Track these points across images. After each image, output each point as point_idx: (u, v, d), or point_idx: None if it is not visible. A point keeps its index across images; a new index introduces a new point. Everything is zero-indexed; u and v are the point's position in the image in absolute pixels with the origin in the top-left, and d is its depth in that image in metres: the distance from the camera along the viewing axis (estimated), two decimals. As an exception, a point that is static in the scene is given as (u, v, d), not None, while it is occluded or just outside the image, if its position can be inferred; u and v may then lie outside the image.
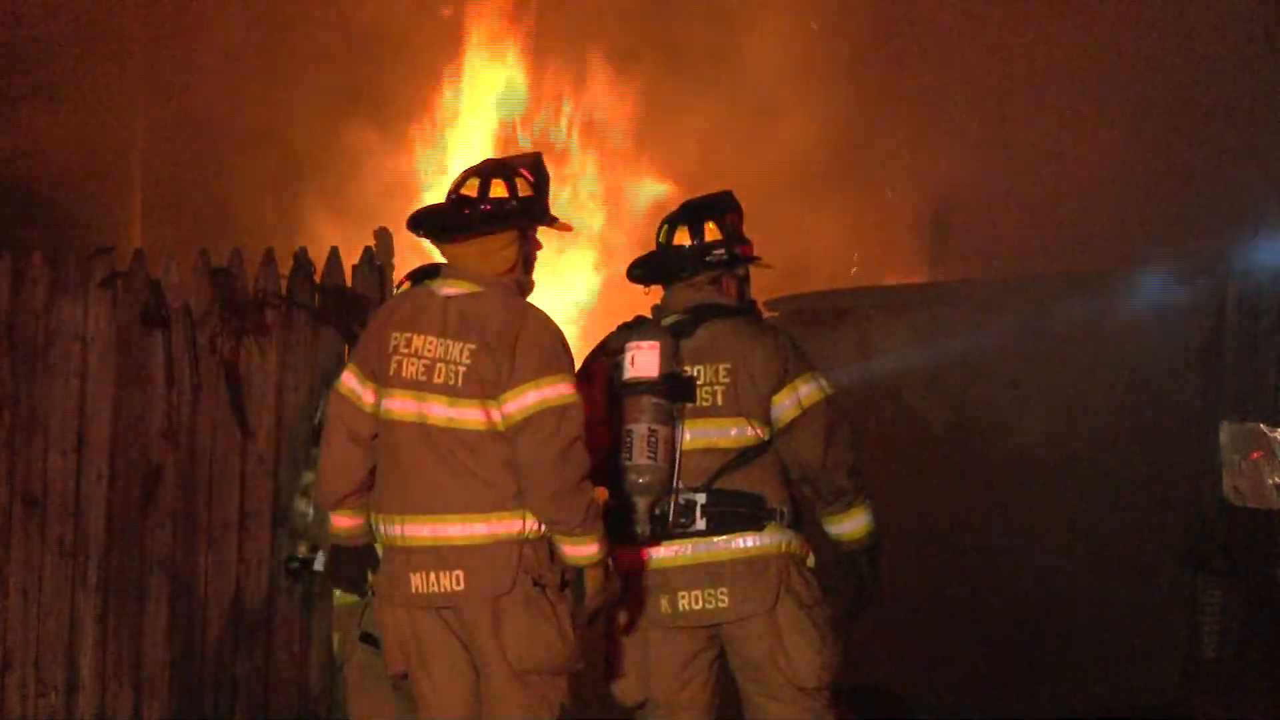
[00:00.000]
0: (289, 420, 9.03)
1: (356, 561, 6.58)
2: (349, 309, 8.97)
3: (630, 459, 6.57)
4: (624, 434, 6.59)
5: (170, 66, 17.20)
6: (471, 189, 6.47)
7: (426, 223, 6.52)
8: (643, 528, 6.57)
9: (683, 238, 6.89)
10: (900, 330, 10.18)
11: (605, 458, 6.63)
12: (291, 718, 9.01)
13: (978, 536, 9.67)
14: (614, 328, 6.90)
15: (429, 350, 6.41)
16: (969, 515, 9.71)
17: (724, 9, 16.44)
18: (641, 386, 6.58)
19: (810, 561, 6.73)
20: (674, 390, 6.61)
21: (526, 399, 6.28)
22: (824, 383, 6.75)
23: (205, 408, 9.08)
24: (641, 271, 6.95)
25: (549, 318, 6.44)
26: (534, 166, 6.58)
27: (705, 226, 6.87)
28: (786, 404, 6.68)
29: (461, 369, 6.35)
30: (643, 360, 6.61)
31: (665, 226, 6.95)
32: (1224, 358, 9.43)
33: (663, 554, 6.65)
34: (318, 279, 9.15)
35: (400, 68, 16.72)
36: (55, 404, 9.15)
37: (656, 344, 6.62)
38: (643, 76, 16.60)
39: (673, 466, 6.58)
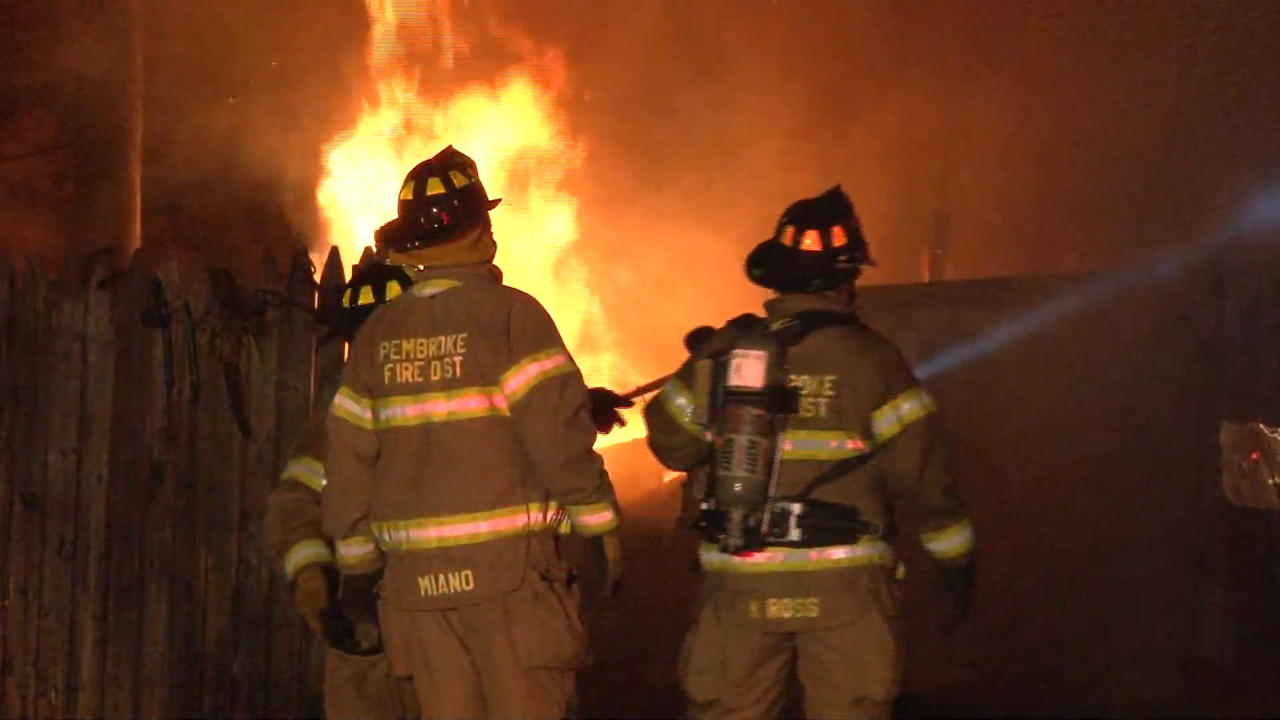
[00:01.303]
0: (289, 420, 9.03)
1: (370, 588, 6.57)
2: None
3: (729, 469, 6.51)
4: (724, 442, 6.52)
5: (171, 64, 17.20)
6: (437, 187, 6.48)
7: (413, 234, 6.49)
8: (735, 539, 6.55)
9: (812, 243, 6.74)
10: (900, 330, 10.16)
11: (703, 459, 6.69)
12: (291, 718, 9.01)
13: (976, 536, 9.66)
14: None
15: (421, 351, 6.43)
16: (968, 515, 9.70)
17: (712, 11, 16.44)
18: (745, 396, 6.50)
19: (900, 574, 6.71)
20: (777, 402, 6.55)
21: (528, 373, 6.32)
22: (927, 399, 6.66)
23: (205, 408, 9.08)
24: (763, 273, 6.80)
25: (533, 297, 6.49)
26: (462, 156, 6.60)
27: (833, 231, 6.79)
28: (887, 420, 6.61)
29: (458, 359, 6.38)
30: (749, 369, 6.53)
31: (791, 229, 6.75)
32: (1224, 358, 9.44)
33: (756, 560, 6.62)
34: (317, 279, 9.15)
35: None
36: (55, 404, 9.15)
37: (764, 354, 6.52)
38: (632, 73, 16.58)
39: (769, 478, 6.53)
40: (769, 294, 6.79)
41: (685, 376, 6.75)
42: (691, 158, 16.13)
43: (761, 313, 6.77)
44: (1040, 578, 9.74)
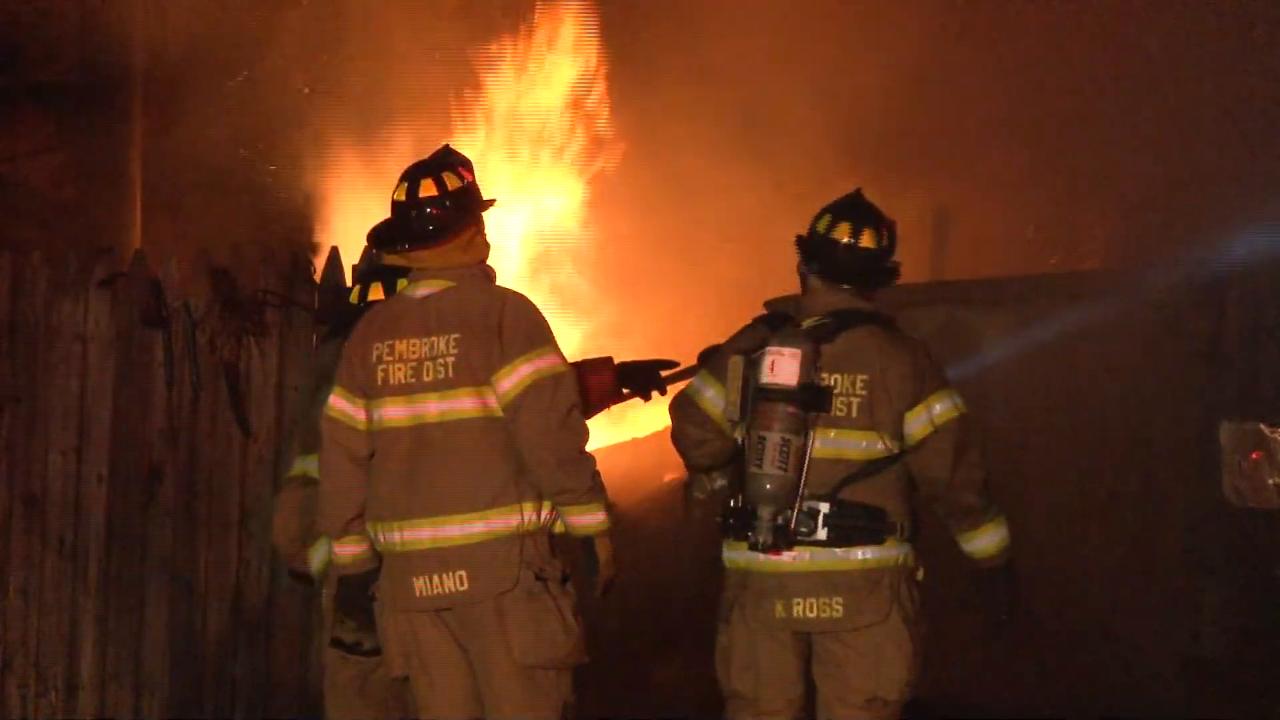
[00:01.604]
0: (289, 420, 9.03)
1: (365, 588, 6.58)
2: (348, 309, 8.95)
3: (761, 466, 6.49)
4: (755, 440, 6.50)
5: (171, 62, 17.20)
6: (429, 189, 6.48)
7: (404, 236, 6.50)
8: (765, 536, 6.54)
9: (869, 241, 6.77)
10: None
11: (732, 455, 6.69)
12: (291, 718, 9.01)
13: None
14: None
15: (413, 352, 6.44)
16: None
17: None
18: (779, 394, 6.47)
19: (919, 575, 6.71)
20: (810, 400, 6.54)
21: (520, 373, 6.33)
22: (959, 400, 6.66)
23: (205, 408, 9.08)
24: (821, 269, 6.74)
25: (525, 296, 6.50)
26: (459, 156, 6.60)
27: (883, 230, 6.77)
28: (920, 421, 6.61)
29: (450, 359, 6.38)
30: (783, 367, 6.50)
31: (847, 225, 6.72)
32: (1224, 358, 9.43)
33: (782, 559, 6.61)
34: (318, 279, 9.15)
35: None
36: (55, 404, 9.15)
37: (799, 351, 6.50)
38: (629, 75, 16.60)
39: (800, 476, 6.52)
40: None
41: (715, 371, 6.74)
42: (691, 157, 16.12)
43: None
44: (1040, 577, 9.73)
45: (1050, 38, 15.62)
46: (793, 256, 6.79)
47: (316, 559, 7.03)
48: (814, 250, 6.74)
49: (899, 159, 15.67)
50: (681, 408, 6.78)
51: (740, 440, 6.64)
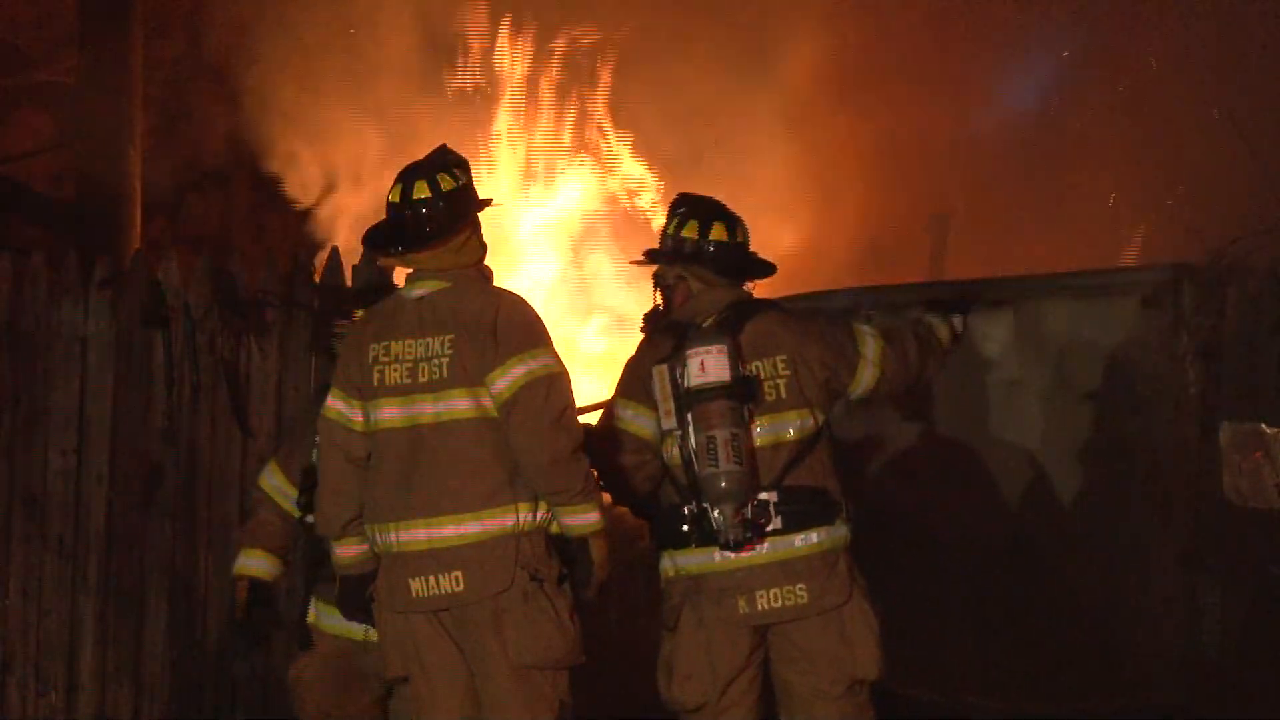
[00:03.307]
0: (289, 420, 9.03)
1: (365, 588, 6.59)
2: (349, 309, 8.96)
3: (717, 465, 6.50)
4: (704, 441, 6.53)
5: (171, 63, 17.20)
6: (423, 191, 6.48)
7: (398, 239, 6.49)
8: (735, 534, 6.53)
9: (729, 234, 6.87)
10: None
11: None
12: (291, 718, 9.01)
13: (976, 536, 9.66)
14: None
15: (409, 353, 6.44)
16: (967, 515, 9.71)
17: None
18: (715, 391, 6.51)
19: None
20: (745, 392, 6.58)
21: (515, 373, 6.33)
22: (869, 326, 6.96)
23: (205, 408, 9.08)
24: (697, 269, 6.82)
25: (521, 296, 6.51)
26: (455, 157, 6.61)
27: (736, 223, 6.92)
28: (868, 370, 6.80)
29: (445, 360, 6.39)
30: (713, 364, 6.54)
31: (721, 225, 6.84)
32: (1224, 358, 9.42)
33: (739, 555, 6.62)
34: (317, 279, 9.16)
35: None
36: (55, 404, 9.15)
37: (724, 347, 6.55)
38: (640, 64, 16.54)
39: (752, 469, 6.56)
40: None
41: (630, 393, 6.76)
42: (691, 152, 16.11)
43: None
44: (1039, 577, 9.74)
45: (1046, 39, 15.63)
46: (781, 245, 6.85)
47: (235, 566, 7.25)
48: (685, 255, 6.80)
49: (898, 158, 15.68)
50: (610, 440, 6.77)
51: (669, 453, 6.66)
